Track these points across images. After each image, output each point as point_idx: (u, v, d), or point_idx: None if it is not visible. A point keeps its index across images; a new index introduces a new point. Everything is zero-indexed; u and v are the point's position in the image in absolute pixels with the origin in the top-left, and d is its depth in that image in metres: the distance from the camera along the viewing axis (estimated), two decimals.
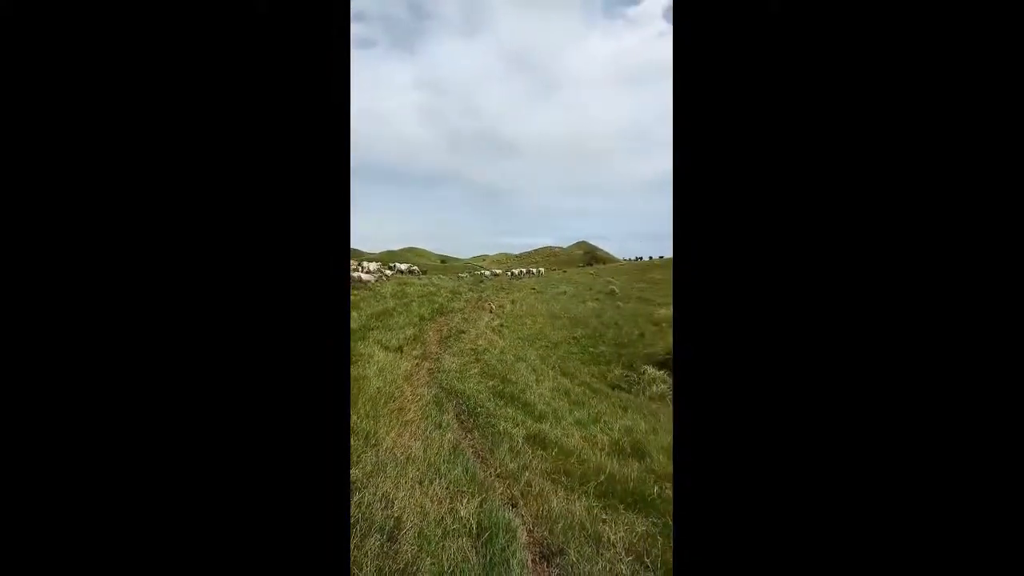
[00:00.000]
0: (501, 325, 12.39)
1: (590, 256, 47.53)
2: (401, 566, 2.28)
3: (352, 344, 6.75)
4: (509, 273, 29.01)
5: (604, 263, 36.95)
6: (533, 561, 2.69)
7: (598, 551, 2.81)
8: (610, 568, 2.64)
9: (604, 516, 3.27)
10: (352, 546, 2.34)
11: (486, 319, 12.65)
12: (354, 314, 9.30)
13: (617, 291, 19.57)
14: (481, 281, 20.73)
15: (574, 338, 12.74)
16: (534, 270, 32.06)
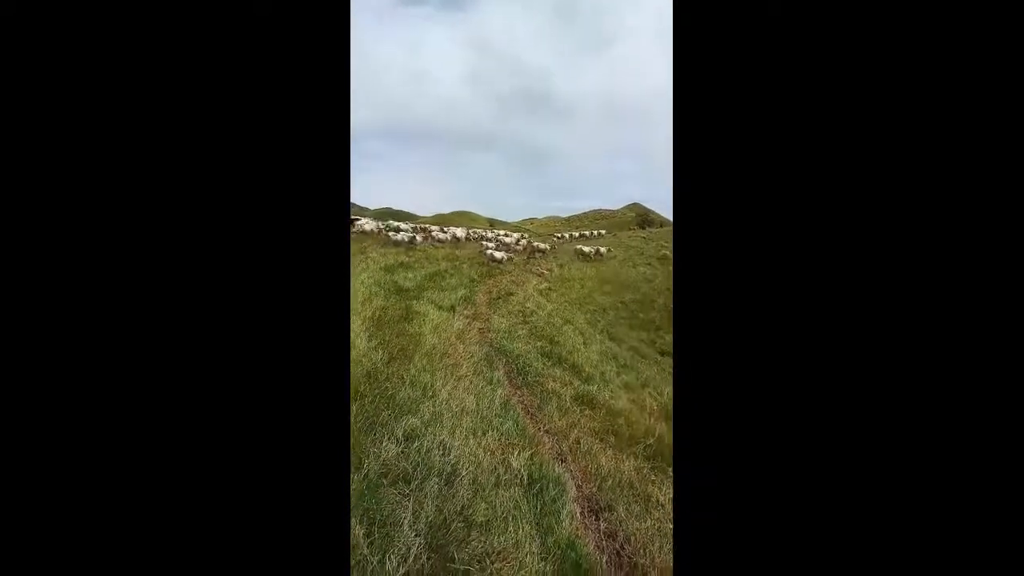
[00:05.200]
0: (549, 288, 12.38)
1: (642, 219, 45.65)
2: (458, 508, 2.44)
3: (408, 303, 7.03)
4: (566, 236, 27.34)
5: (660, 226, 35.35)
6: (582, 514, 2.78)
7: (647, 510, 2.86)
8: (659, 527, 2.69)
9: (653, 477, 3.30)
10: (413, 487, 2.53)
11: (534, 282, 12.68)
12: (408, 274, 9.64)
13: (671, 256, 18.81)
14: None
15: (623, 303, 12.52)
16: (595, 232, 30.28)
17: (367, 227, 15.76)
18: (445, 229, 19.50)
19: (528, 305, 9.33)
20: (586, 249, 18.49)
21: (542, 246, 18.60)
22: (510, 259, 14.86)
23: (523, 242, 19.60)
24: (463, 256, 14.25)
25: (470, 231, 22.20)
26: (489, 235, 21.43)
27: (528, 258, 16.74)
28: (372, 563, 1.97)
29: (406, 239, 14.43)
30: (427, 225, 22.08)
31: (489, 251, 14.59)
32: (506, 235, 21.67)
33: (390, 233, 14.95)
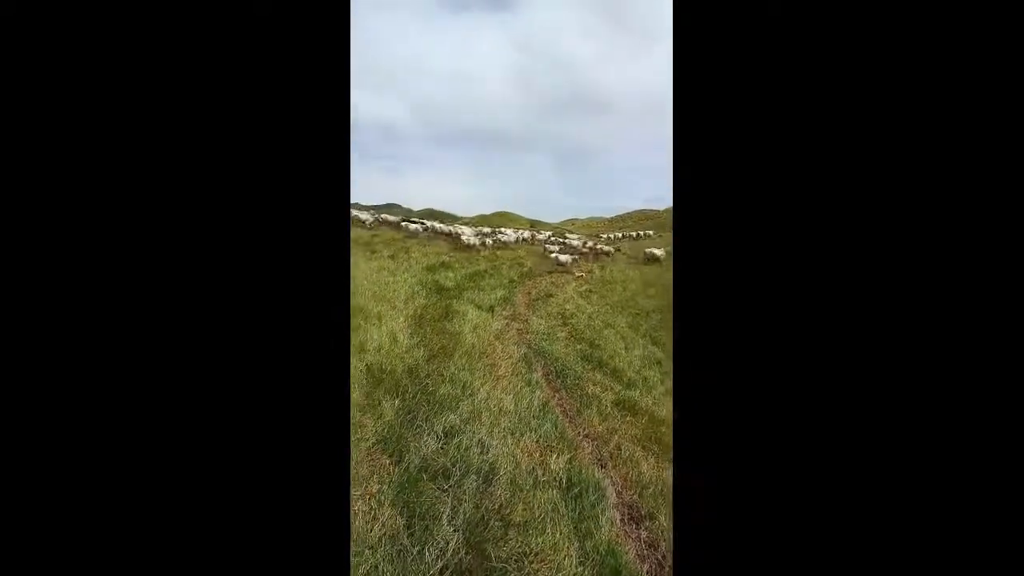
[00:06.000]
0: (589, 290, 12.19)
1: None
2: (496, 507, 2.44)
3: (447, 302, 7.16)
4: (612, 238, 26.35)
5: None
6: (622, 521, 2.71)
7: None
8: None
9: None
10: (452, 483, 2.56)
11: (573, 284, 12.53)
12: (449, 273, 9.82)
13: None
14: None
15: (668, 307, 12.11)
16: (642, 233, 29.26)
17: (469, 238, 16.06)
18: (503, 230, 19.89)
19: (568, 307, 9.23)
20: (658, 252, 17.73)
21: (607, 249, 18.34)
22: (575, 262, 14.78)
23: (589, 244, 19.56)
24: (510, 258, 14.36)
25: (533, 233, 22.61)
26: (540, 237, 21.64)
27: (593, 261, 16.62)
28: (412, 554, 2.00)
29: (479, 243, 14.80)
30: (490, 228, 22.70)
31: (554, 254, 14.63)
32: (573, 238, 21.71)
33: (463, 237, 15.41)
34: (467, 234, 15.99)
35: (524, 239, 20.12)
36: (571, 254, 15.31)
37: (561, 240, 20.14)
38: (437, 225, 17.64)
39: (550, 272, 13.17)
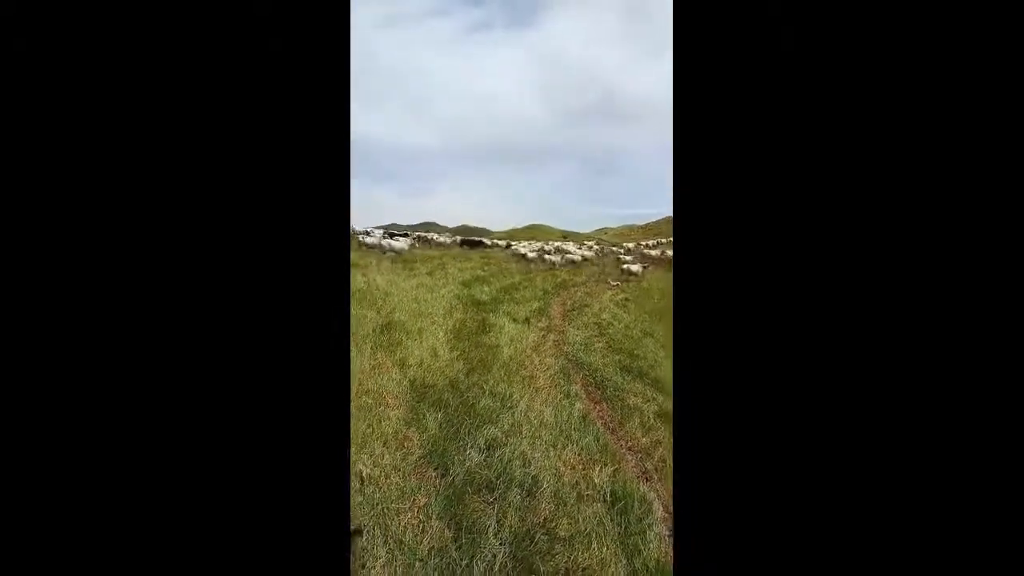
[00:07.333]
0: (626, 299, 11.99)
1: None
2: (540, 520, 2.44)
3: (484, 316, 7.25)
4: (651, 244, 26.48)
5: None
6: (670, 536, 2.63)
7: None
8: None
9: None
10: (496, 496, 2.58)
11: (608, 293, 12.36)
12: (485, 288, 9.95)
13: None
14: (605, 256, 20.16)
15: None
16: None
17: (551, 257, 16.78)
18: (565, 245, 20.36)
19: (604, 317, 9.11)
20: None
21: None
22: (645, 269, 15.28)
23: (669, 253, 19.70)
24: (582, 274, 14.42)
25: (591, 245, 23.04)
26: (597, 248, 21.91)
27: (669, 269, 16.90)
28: (460, 566, 2.03)
29: (561, 261, 15.33)
30: (557, 243, 23.36)
31: (626, 265, 15.00)
32: (647, 248, 21.94)
33: (547, 255, 16.10)
34: (546, 252, 16.55)
35: (585, 257, 20.00)
36: (643, 263, 15.77)
37: (639, 250, 20.31)
38: (531, 244, 18.26)
39: (584, 282, 13.09)
